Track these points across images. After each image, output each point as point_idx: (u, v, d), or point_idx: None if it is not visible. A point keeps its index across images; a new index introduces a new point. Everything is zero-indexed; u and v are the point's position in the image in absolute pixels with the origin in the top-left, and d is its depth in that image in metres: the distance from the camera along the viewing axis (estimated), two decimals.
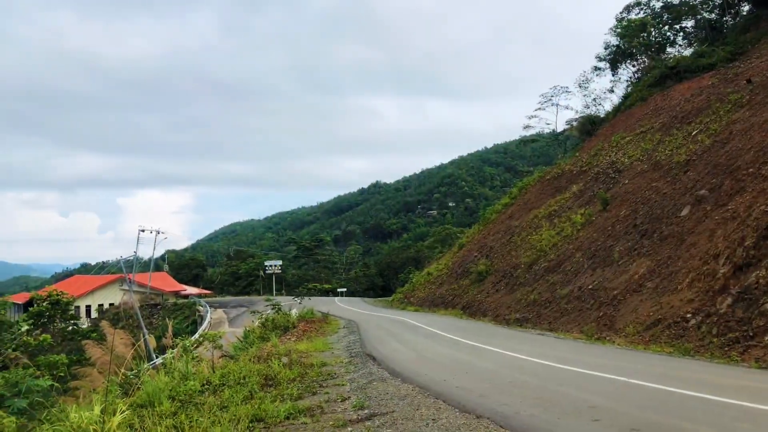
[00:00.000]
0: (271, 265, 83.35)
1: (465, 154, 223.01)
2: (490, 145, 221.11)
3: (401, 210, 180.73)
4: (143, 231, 63.06)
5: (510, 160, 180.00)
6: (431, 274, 48.93)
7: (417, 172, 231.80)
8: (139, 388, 9.94)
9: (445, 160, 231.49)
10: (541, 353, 14.64)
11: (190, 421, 7.76)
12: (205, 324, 42.76)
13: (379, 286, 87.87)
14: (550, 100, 57.33)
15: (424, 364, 13.76)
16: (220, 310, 54.37)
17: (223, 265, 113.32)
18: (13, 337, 31.32)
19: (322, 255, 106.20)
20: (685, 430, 6.83)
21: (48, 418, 8.12)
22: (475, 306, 32.63)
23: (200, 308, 56.51)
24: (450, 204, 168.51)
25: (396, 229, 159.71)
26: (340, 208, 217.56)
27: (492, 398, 9.24)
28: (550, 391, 9.58)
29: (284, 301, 34.04)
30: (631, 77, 50.09)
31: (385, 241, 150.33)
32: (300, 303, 36.40)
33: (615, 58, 50.94)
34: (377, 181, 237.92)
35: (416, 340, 19.78)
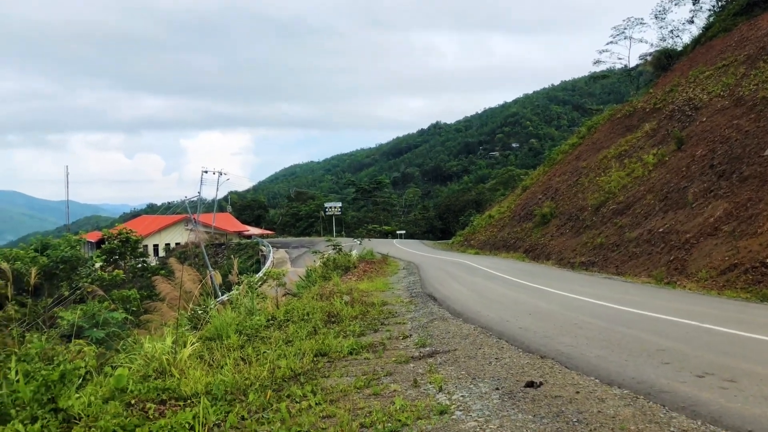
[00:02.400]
0: (330, 207, 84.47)
1: (530, 92, 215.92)
2: (557, 83, 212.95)
3: (462, 151, 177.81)
4: (206, 172, 65.19)
5: (578, 98, 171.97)
6: (493, 217, 48.31)
7: (479, 112, 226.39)
8: (207, 322, 10.28)
9: (509, 99, 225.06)
10: (608, 296, 14.27)
11: (257, 354, 7.96)
12: (269, 263, 43.96)
13: (439, 229, 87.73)
14: (623, 32, 53.87)
15: (485, 305, 13.64)
16: (282, 250, 55.78)
17: (284, 206, 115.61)
18: (89, 272, 33.22)
19: (380, 197, 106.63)
20: (761, 374, 6.46)
21: (124, 347, 8.50)
22: (539, 249, 32.11)
23: (263, 248, 58.17)
24: (513, 145, 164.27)
25: (456, 171, 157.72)
26: (398, 149, 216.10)
27: (556, 339, 9.05)
28: (617, 334, 9.30)
29: (344, 242, 34.50)
30: (713, 6, 46.08)
31: (444, 183, 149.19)
32: (360, 244, 36.93)
33: None
34: (437, 122, 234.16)
35: (477, 282, 19.65)
